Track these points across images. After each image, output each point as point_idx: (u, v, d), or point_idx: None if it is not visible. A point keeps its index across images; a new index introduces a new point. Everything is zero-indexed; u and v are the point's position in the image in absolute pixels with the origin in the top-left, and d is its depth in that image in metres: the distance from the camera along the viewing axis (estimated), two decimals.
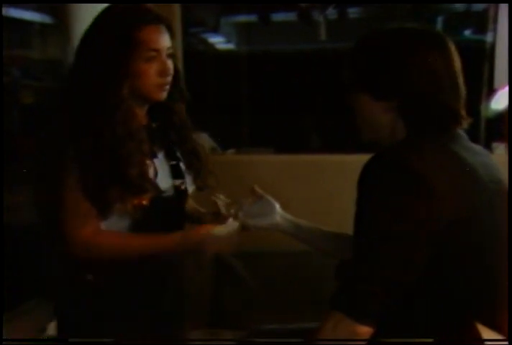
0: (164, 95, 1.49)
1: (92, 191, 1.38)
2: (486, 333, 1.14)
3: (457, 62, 1.26)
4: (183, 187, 1.55)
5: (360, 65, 1.29)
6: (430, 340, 1.14)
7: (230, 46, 4.43)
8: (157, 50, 1.44)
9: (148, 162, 1.46)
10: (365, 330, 1.13)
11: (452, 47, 1.27)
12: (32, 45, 2.82)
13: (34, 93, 2.81)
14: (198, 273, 1.71)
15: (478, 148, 1.32)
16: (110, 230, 1.45)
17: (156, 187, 1.46)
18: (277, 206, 1.61)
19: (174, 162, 1.56)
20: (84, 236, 1.41)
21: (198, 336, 1.95)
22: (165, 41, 1.46)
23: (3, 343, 1.59)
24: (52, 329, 2.22)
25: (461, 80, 1.27)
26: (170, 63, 1.47)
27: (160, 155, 1.53)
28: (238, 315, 2.48)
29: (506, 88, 2.70)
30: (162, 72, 1.45)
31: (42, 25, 2.78)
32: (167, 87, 1.48)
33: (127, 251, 1.45)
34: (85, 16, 2.62)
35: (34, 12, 2.73)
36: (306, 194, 1.74)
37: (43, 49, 2.87)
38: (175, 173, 1.55)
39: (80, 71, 1.46)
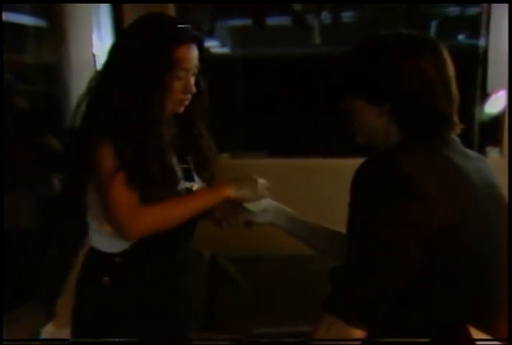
0: (182, 109, 1.56)
1: (137, 186, 1.46)
2: (478, 336, 1.14)
3: (450, 68, 1.27)
4: (194, 189, 1.61)
5: (354, 70, 1.31)
6: (426, 340, 1.14)
7: (225, 50, 4.44)
8: (187, 69, 1.51)
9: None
10: (358, 333, 1.13)
11: (445, 53, 1.28)
12: (26, 49, 2.82)
13: (28, 97, 2.81)
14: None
15: (471, 153, 1.33)
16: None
17: (176, 185, 1.54)
18: (273, 203, 1.63)
19: (185, 166, 1.63)
20: (135, 216, 1.46)
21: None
22: (195, 60, 1.53)
23: (4, 343, 1.60)
24: (48, 331, 2.22)
25: (454, 85, 1.28)
26: (192, 81, 1.53)
27: (174, 159, 1.59)
28: (232, 319, 2.48)
29: (500, 92, 2.71)
30: (186, 90, 1.52)
31: (36, 29, 2.78)
32: (187, 102, 1.55)
33: (174, 218, 1.51)
34: (79, 19, 2.63)
35: (28, 16, 2.73)
36: (300, 197, 1.74)
37: (37, 53, 2.87)
38: (186, 176, 1.61)
39: (117, 82, 1.49)
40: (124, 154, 1.45)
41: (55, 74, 2.65)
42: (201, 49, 1.56)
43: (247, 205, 1.58)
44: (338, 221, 1.36)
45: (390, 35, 1.31)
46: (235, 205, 1.59)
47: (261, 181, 1.59)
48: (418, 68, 1.23)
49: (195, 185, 1.62)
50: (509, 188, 1.51)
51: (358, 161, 1.22)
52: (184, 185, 1.59)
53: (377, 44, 1.29)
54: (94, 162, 1.46)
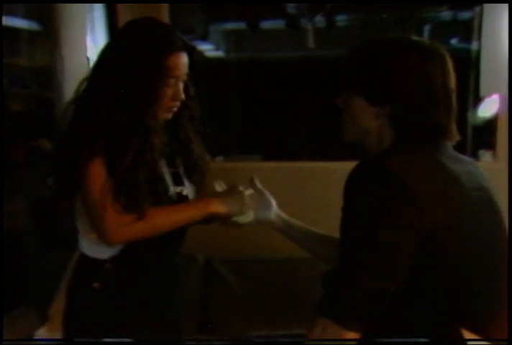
0: (170, 115, 1.55)
1: (126, 196, 1.45)
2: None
3: (453, 80, 1.28)
4: (184, 193, 1.60)
5: (359, 69, 1.30)
6: (425, 340, 1.15)
7: (219, 53, 4.45)
8: (177, 77, 1.50)
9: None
10: (352, 336, 1.14)
11: (450, 64, 1.28)
12: (19, 52, 2.82)
13: (22, 100, 2.81)
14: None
15: (463, 157, 1.33)
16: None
17: (166, 193, 1.54)
18: (274, 203, 1.64)
19: (174, 170, 1.61)
20: (120, 221, 1.45)
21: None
22: (185, 68, 1.52)
23: (4, 343, 1.60)
24: (41, 335, 2.21)
25: (454, 97, 1.28)
26: (181, 87, 1.52)
27: (162, 163, 1.57)
28: (226, 322, 2.48)
29: (493, 96, 2.73)
30: (175, 97, 1.52)
31: (30, 32, 2.78)
32: (175, 108, 1.55)
33: (159, 228, 1.50)
34: (73, 23, 2.63)
35: (22, 19, 2.73)
36: (294, 201, 1.74)
37: (31, 56, 2.87)
38: (176, 180, 1.60)
39: (107, 92, 1.46)
40: (116, 167, 1.43)
41: (49, 77, 2.65)
42: (191, 56, 1.55)
43: (236, 218, 1.57)
44: (332, 224, 1.37)
45: (404, 38, 1.31)
46: (223, 219, 1.57)
47: (248, 191, 1.58)
48: (427, 75, 1.23)
49: (185, 190, 1.62)
50: (509, 190, 1.51)
51: (352, 164, 1.22)
52: (174, 189, 1.58)
53: (390, 45, 1.29)
54: (84, 176, 1.44)
